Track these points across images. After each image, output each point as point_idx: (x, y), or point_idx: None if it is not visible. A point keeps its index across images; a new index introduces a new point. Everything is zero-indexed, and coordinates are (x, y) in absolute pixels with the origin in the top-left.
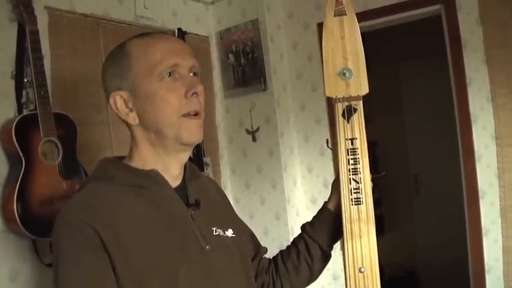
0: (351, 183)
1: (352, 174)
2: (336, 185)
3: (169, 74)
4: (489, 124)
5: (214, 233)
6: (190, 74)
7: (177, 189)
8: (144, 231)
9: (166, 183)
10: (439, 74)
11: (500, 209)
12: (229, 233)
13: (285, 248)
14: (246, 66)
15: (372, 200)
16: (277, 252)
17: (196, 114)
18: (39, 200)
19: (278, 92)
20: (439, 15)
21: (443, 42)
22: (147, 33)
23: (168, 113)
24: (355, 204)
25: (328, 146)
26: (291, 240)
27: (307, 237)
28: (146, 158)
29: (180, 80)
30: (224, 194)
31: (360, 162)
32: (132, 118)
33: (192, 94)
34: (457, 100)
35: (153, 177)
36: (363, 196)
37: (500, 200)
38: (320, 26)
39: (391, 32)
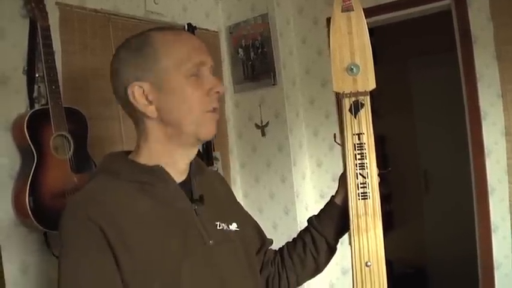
0: (357, 178)
1: (359, 169)
2: (343, 180)
3: (195, 71)
4: (499, 120)
5: (217, 228)
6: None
7: (182, 184)
8: (148, 227)
9: (170, 178)
10: (449, 70)
11: (510, 205)
12: (233, 227)
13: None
14: (256, 61)
15: (378, 194)
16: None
17: (214, 109)
18: (50, 193)
19: (287, 87)
20: (449, 10)
21: (453, 38)
22: (167, 28)
23: (192, 110)
24: (362, 198)
25: (335, 140)
26: None
27: (313, 231)
28: (154, 153)
29: (203, 78)
30: (229, 187)
31: (367, 157)
32: (151, 111)
33: (215, 92)
34: (467, 96)
35: (158, 173)
36: (370, 191)
37: (509, 196)
38: (329, 21)
39: (401, 27)
